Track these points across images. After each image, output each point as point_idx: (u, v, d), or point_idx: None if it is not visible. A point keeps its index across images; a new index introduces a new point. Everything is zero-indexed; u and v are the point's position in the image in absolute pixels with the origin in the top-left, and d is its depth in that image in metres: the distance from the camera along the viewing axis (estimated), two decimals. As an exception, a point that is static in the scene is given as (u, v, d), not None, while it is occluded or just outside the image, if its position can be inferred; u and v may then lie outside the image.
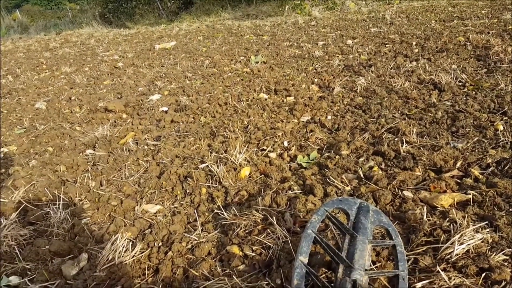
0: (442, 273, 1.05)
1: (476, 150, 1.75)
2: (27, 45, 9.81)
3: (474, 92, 2.49)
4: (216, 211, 1.65)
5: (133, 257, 1.40)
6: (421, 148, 1.84)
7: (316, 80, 3.40)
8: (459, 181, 1.55)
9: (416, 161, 1.73)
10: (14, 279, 1.36)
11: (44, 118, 3.44)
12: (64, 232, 1.63)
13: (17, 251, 1.51)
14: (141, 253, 1.42)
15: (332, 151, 2.00)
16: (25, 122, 3.36)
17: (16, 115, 3.64)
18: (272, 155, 2.11)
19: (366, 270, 0.99)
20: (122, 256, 1.39)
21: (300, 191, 1.68)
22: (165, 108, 3.21)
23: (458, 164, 1.64)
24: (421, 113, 2.32)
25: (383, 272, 1.10)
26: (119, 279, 1.31)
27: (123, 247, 1.42)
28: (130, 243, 1.46)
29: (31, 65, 6.39)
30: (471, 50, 3.58)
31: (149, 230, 1.60)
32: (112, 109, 3.35)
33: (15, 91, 4.61)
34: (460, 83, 2.72)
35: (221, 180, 1.88)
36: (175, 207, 1.76)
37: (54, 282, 1.34)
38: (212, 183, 1.89)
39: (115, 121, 3.09)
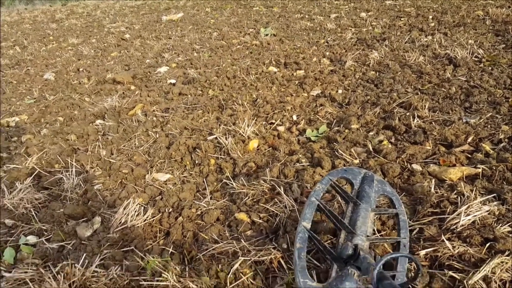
0: (446, 242, 1.08)
1: (489, 126, 1.74)
2: (33, 16, 9.72)
3: (490, 68, 2.45)
4: (224, 181, 1.68)
5: (144, 221, 1.44)
6: (433, 122, 1.84)
7: (327, 53, 3.36)
8: (469, 155, 1.55)
9: (427, 136, 1.73)
10: (31, 239, 1.41)
11: (53, 89, 3.45)
12: (77, 196, 1.67)
13: (33, 213, 1.56)
14: (152, 218, 1.46)
15: (342, 125, 2.00)
16: (35, 92, 3.38)
17: (25, 85, 3.66)
18: (281, 128, 2.11)
19: (367, 236, 1.02)
20: (134, 220, 1.43)
21: (308, 163, 1.69)
22: (173, 81, 3.20)
23: (470, 139, 1.64)
24: (435, 88, 2.29)
25: (385, 238, 1.12)
26: (132, 241, 1.36)
27: (135, 211, 1.46)
28: (142, 208, 1.49)
29: (38, 36, 6.36)
30: (490, 24, 3.49)
31: (160, 197, 1.64)
32: (120, 80, 3.35)
33: (23, 62, 4.62)
34: (476, 59, 2.67)
35: (230, 152, 1.90)
36: (184, 176, 1.79)
37: (69, 242, 1.39)
38: (220, 155, 1.92)
39: (123, 92, 3.10)
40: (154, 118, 2.44)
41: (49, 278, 1.14)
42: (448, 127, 1.75)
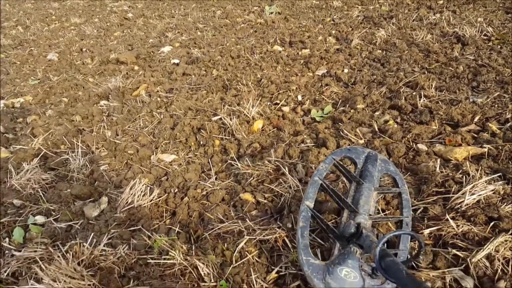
0: (450, 221, 1.08)
1: (496, 105, 1.72)
2: (35, -5, 9.59)
3: (499, 46, 2.40)
4: (229, 161, 1.69)
5: (151, 201, 1.46)
6: (439, 102, 1.82)
7: (333, 32, 3.30)
8: (475, 135, 1.54)
9: (433, 115, 1.71)
10: (40, 219, 1.43)
11: (56, 70, 3.44)
12: (84, 177, 1.69)
13: (40, 194, 1.58)
14: (158, 198, 1.48)
15: (347, 105, 1.99)
16: (39, 73, 3.37)
17: (29, 66, 3.64)
18: (286, 109, 2.10)
19: (370, 215, 1.02)
20: (141, 200, 1.45)
21: (312, 144, 1.69)
22: (176, 61, 3.18)
23: (476, 119, 1.63)
24: (442, 67, 2.26)
25: (387, 217, 1.13)
26: (139, 220, 1.38)
27: (141, 191, 1.47)
28: (148, 188, 1.51)
29: (40, 16, 6.29)
30: (500, 2, 3.40)
31: (165, 177, 1.65)
32: (123, 61, 3.33)
33: (26, 42, 4.59)
34: (485, 37, 2.62)
35: (234, 133, 1.90)
36: (189, 157, 1.79)
37: (77, 221, 1.41)
38: (225, 135, 1.92)
39: (127, 72, 3.08)
40: (158, 99, 2.43)
41: (58, 256, 1.17)
42: (454, 107, 1.73)
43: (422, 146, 1.51)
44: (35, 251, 1.24)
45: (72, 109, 2.45)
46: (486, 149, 1.41)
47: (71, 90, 2.89)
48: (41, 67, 3.51)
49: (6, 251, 1.30)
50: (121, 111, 2.33)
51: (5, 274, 1.20)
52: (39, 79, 3.22)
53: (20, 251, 1.26)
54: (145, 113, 2.24)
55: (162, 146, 1.88)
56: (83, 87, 2.91)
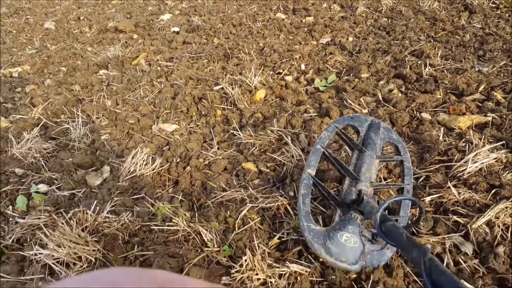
0: (452, 188, 1.08)
1: (502, 74, 1.69)
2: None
3: (507, 15, 2.33)
4: (231, 131, 1.68)
5: (153, 170, 1.46)
6: (445, 71, 1.79)
7: (337, -1, 3.21)
8: (480, 104, 1.52)
9: (438, 84, 1.68)
10: (42, 187, 1.44)
11: (54, 38, 3.38)
12: (85, 146, 1.69)
13: (42, 163, 1.59)
14: (160, 167, 1.48)
15: (352, 74, 1.96)
16: (36, 42, 3.31)
17: (25, 35, 3.58)
18: (289, 78, 2.07)
19: (371, 183, 1.02)
20: (143, 169, 1.45)
21: (316, 114, 1.68)
22: (176, 29, 3.11)
23: (481, 88, 1.60)
24: (448, 35, 2.20)
25: (388, 184, 1.13)
26: (141, 189, 1.38)
27: (143, 160, 1.48)
28: (150, 157, 1.51)
29: (36, -17, 6.12)
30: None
31: (167, 147, 1.64)
32: (122, 29, 3.25)
33: (22, 10, 4.48)
34: (494, 5, 2.54)
35: (236, 102, 1.88)
36: (191, 127, 1.78)
37: (80, 190, 1.42)
38: (227, 105, 1.90)
39: (126, 41, 3.02)
40: (158, 68, 2.40)
41: (62, 223, 1.18)
42: (460, 76, 1.70)
43: (426, 115, 1.49)
44: (39, 218, 1.26)
45: (71, 78, 2.42)
46: (490, 118, 1.39)
47: (69, 59, 2.84)
48: (38, 36, 3.45)
49: (10, 219, 1.31)
50: (121, 80, 2.30)
51: (10, 240, 1.22)
52: (36, 49, 3.17)
53: (24, 218, 1.28)
54: (145, 82, 2.21)
55: (163, 115, 1.87)
56: (81, 56, 2.86)
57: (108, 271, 0.25)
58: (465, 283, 0.84)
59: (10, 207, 1.35)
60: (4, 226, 1.28)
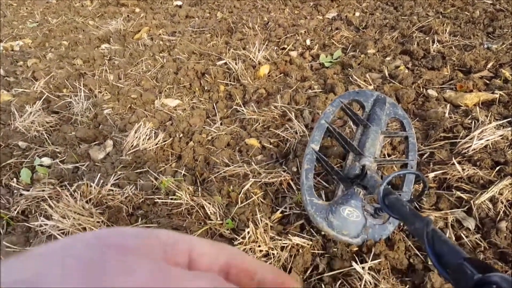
0: (456, 165, 1.08)
1: (511, 52, 1.65)
2: None
3: (518, -10, 2.27)
4: (234, 107, 1.67)
5: (156, 144, 1.46)
6: (453, 47, 1.75)
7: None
8: (487, 81, 1.49)
9: (445, 61, 1.66)
10: (46, 160, 1.45)
11: (55, 12, 3.33)
12: (88, 120, 1.68)
13: (45, 136, 1.59)
14: (163, 142, 1.48)
15: (358, 50, 1.92)
16: (37, 15, 3.26)
17: (26, 8, 3.52)
18: (293, 53, 2.04)
19: (375, 158, 1.02)
20: (146, 144, 1.45)
21: (320, 90, 1.66)
22: (179, 2, 3.05)
23: (489, 65, 1.57)
24: (457, 11, 2.15)
25: (392, 160, 1.13)
26: (145, 163, 1.39)
27: (146, 135, 1.47)
28: (153, 132, 1.50)
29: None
30: None
31: (170, 122, 1.64)
32: (124, 3, 3.20)
33: (22, -18, 4.40)
34: (504, -21, 2.46)
35: (240, 78, 1.86)
36: (193, 102, 1.77)
37: (83, 163, 1.42)
38: (230, 81, 1.88)
39: (128, 15, 2.97)
40: (161, 42, 2.36)
41: (67, 195, 1.19)
42: (468, 52, 1.67)
43: (432, 92, 1.47)
44: (43, 191, 1.27)
45: (72, 52, 2.40)
46: (497, 95, 1.37)
47: (71, 33, 2.81)
48: (39, 10, 3.40)
49: (15, 191, 1.32)
50: (123, 54, 2.28)
51: (15, 212, 1.23)
52: (37, 22, 3.13)
53: (28, 190, 1.29)
54: (147, 57, 2.18)
55: (165, 90, 1.86)
56: (83, 30, 2.82)
57: (113, 231, 0.24)
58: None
59: (15, 179, 1.36)
60: (9, 198, 1.29)
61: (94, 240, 0.23)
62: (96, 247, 0.23)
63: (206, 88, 1.86)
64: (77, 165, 1.42)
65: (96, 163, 1.43)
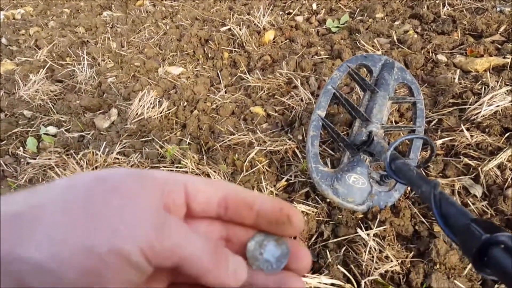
0: (465, 131, 1.06)
1: (525, 14, 1.59)
2: None
3: None
4: (239, 74, 1.64)
5: (160, 113, 1.45)
6: (464, 11, 1.68)
7: None
8: (499, 46, 1.44)
9: (456, 25, 1.60)
10: (51, 129, 1.45)
11: (55, -22, 3.24)
12: (92, 89, 1.67)
13: (50, 105, 1.58)
14: (168, 110, 1.47)
15: (365, 14, 1.86)
16: (37, -18, 3.18)
17: (26, -26, 3.43)
18: (299, 18, 1.98)
19: (382, 124, 1.00)
20: (150, 112, 1.44)
21: (327, 56, 1.62)
22: (182, -33, 2.94)
23: (501, 29, 1.52)
24: (469, -28, 2.05)
25: (400, 126, 1.11)
26: (150, 131, 1.38)
27: (151, 103, 1.46)
28: (157, 101, 1.49)
29: None
30: None
31: (174, 90, 1.62)
32: (125, -32, 3.10)
33: None
34: None
35: (244, 44, 1.82)
36: (197, 70, 1.74)
37: (88, 132, 1.42)
38: (234, 47, 1.84)
39: (129, -19, 2.89)
40: (163, 8, 2.30)
41: (73, 164, 1.20)
42: (479, 16, 1.61)
43: (441, 57, 1.43)
44: (50, 159, 1.28)
45: (74, 20, 2.35)
46: (509, 60, 1.33)
47: (72, 0, 2.74)
48: (39, -24, 3.31)
49: (22, 160, 1.33)
50: (125, 21, 2.23)
51: (23, 180, 1.25)
52: (37, -11, 3.05)
53: (35, 159, 1.30)
54: (150, 23, 2.13)
55: (169, 58, 1.83)
56: (84, -3, 2.76)
57: (111, 173, 0.24)
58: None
59: (21, 148, 1.37)
60: (16, 166, 1.31)
61: (94, 181, 0.24)
62: (96, 188, 0.23)
63: (210, 55, 1.83)
64: (82, 133, 1.42)
65: (101, 132, 1.43)
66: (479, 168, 0.95)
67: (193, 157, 1.22)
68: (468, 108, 1.14)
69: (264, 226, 0.28)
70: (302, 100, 1.38)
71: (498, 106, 1.11)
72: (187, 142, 1.31)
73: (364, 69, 1.20)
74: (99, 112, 1.54)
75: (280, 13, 2.03)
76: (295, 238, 0.96)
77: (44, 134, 1.42)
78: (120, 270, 0.21)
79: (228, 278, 0.26)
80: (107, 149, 1.30)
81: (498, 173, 0.95)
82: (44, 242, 0.20)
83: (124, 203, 0.23)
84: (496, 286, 0.76)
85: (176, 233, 0.23)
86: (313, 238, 0.94)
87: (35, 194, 0.23)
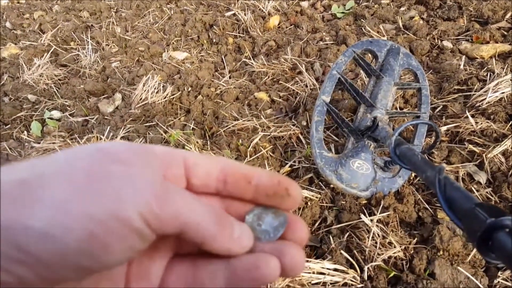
0: (470, 118, 1.05)
1: (533, 1, 1.56)
2: None
3: None
4: (243, 60, 1.63)
5: (164, 98, 1.45)
6: (471, -4, 1.66)
7: None
8: (505, 32, 1.43)
9: (462, 11, 1.58)
10: (55, 113, 1.45)
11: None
12: (96, 73, 1.67)
13: (54, 89, 1.59)
14: (172, 95, 1.47)
15: (371, 0, 1.83)
16: (39, -35, 3.15)
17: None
18: (304, 4, 1.95)
19: (387, 110, 1.00)
20: (155, 97, 1.44)
21: (332, 42, 1.60)
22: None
23: (508, 15, 1.50)
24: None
25: (404, 112, 1.10)
26: (153, 117, 1.39)
27: (155, 88, 1.46)
28: (161, 86, 1.49)
29: None
30: None
31: (178, 75, 1.61)
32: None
33: None
34: None
35: (249, 30, 1.80)
36: (202, 55, 1.73)
37: (93, 116, 1.43)
38: (239, 33, 1.82)
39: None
40: (168, -7, 2.28)
41: (78, 147, 1.20)
42: (486, 2, 1.58)
43: (447, 43, 1.42)
44: (54, 143, 1.28)
45: (79, 4, 2.34)
46: (516, 47, 1.31)
47: (75, -16, 2.72)
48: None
49: (26, 144, 1.34)
50: (130, 6, 2.21)
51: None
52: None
53: (39, 143, 1.31)
54: (154, 8, 2.12)
55: (173, 43, 1.82)
56: (87, -19, 2.73)
57: (113, 145, 0.25)
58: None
59: (25, 132, 1.38)
60: (21, 150, 1.31)
61: (96, 152, 0.24)
62: (98, 158, 0.23)
63: (214, 40, 1.82)
64: (86, 118, 1.43)
65: (105, 116, 1.43)
66: (484, 155, 0.95)
67: (197, 142, 1.22)
68: (473, 94, 1.14)
69: (263, 199, 0.29)
70: (306, 86, 1.38)
71: (503, 93, 1.10)
72: (191, 127, 1.32)
73: (370, 55, 1.19)
74: (103, 96, 1.54)
75: (285, -2, 2.01)
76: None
77: (48, 118, 1.43)
78: (122, 237, 0.22)
79: (233, 244, 0.26)
80: (111, 134, 1.30)
81: (503, 160, 0.95)
82: (48, 210, 0.20)
83: (125, 171, 0.23)
84: (499, 272, 0.76)
85: (179, 199, 0.24)
86: (317, 224, 0.94)
87: (39, 163, 0.23)
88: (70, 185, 0.21)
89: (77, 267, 0.21)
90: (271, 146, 1.17)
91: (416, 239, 0.84)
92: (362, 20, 1.70)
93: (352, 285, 0.78)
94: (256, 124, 1.26)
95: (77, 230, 0.20)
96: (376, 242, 0.84)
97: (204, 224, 0.24)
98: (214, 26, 1.88)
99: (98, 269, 0.22)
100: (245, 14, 1.84)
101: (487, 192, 0.90)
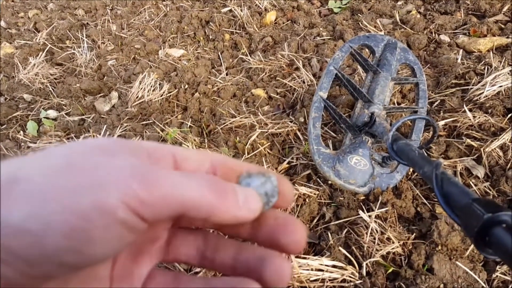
0: (467, 112, 1.05)
1: (530, -7, 1.56)
2: None
3: None
4: (240, 56, 1.62)
5: (161, 96, 1.44)
6: (468, -11, 1.65)
7: None
8: (502, 26, 1.42)
9: (459, 5, 1.57)
10: (51, 113, 1.45)
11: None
12: (92, 72, 1.66)
13: (50, 89, 1.58)
14: (169, 93, 1.46)
15: (367, -6, 1.83)
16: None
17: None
18: (300, -1, 1.94)
19: (385, 105, 0.99)
20: (151, 95, 1.44)
21: (329, 37, 1.60)
22: None
23: (505, 8, 1.49)
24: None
25: (402, 107, 1.10)
26: (150, 115, 1.38)
27: (151, 86, 1.45)
28: (158, 83, 1.48)
29: None
30: None
31: (175, 73, 1.61)
32: None
33: None
34: None
35: (245, 26, 1.79)
36: (198, 52, 1.72)
37: (89, 115, 1.42)
38: (235, 29, 1.81)
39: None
40: (163, -10, 2.27)
41: (75, 147, 1.20)
42: (484, -5, 1.58)
43: (444, 37, 1.41)
44: (50, 143, 1.28)
45: (74, 2, 2.32)
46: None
47: (70, -18, 2.70)
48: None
49: (22, 144, 1.33)
50: (125, 3, 2.20)
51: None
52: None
53: (35, 143, 1.30)
54: (150, 5, 2.10)
55: (169, 40, 1.81)
56: (82, -21, 2.71)
57: (96, 138, 0.25)
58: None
59: (21, 132, 1.37)
60: (17, 150, 1.31)
61: (75, 143, 0.24)
62: (77, 148, 0.23)
63: (210, 37, 1.81)
64: (83, 117, 1.42)
65: (102, 115, 1.43)
66: (482, 149, 0.95)
67: (195, 140, 1.22)
68: (471, 88, 1.13)
69: None
70: (304, 82, 1.37)
71: (501, 86, 1.09)
72: (188, 125, 1.31)
73: (367, 50, 1.18)
74: (99, 95, 1.53)
75: (282, -7, 2.00)
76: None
77: (44, 117, 1.42)
78: (106, 228, 0.20)
79: (240, 210, 0.24)
80: (107, 133, 1.30)
81: (501, 154, 0.94)
82: (22, 203, 0.19)
83: (108, 161, 0.22)
84: (497, 267, 0.76)
85: (167, 180, 0.22)
86: (315, 220, 0.94)
87: (16, 160, 0.22)
88: (46, 176, 0.21)
89: (60, 262, 0.20)
90: (269, 143, 1.17)
91: (414, 234, 0.84)
92: (359, 14, 1.69)
93: (350, 281, 0.78)
94: (253, 121, 1.25)
95: (57, 223, 0.19)
96: (374, 238, 0.84)
97: (203, 197, 0.22)
98: (210, 23, 1.87)
99: (83, 264, 0.21)
100: (241, 10, 1.83)
101: (485, 186, 0.90)
